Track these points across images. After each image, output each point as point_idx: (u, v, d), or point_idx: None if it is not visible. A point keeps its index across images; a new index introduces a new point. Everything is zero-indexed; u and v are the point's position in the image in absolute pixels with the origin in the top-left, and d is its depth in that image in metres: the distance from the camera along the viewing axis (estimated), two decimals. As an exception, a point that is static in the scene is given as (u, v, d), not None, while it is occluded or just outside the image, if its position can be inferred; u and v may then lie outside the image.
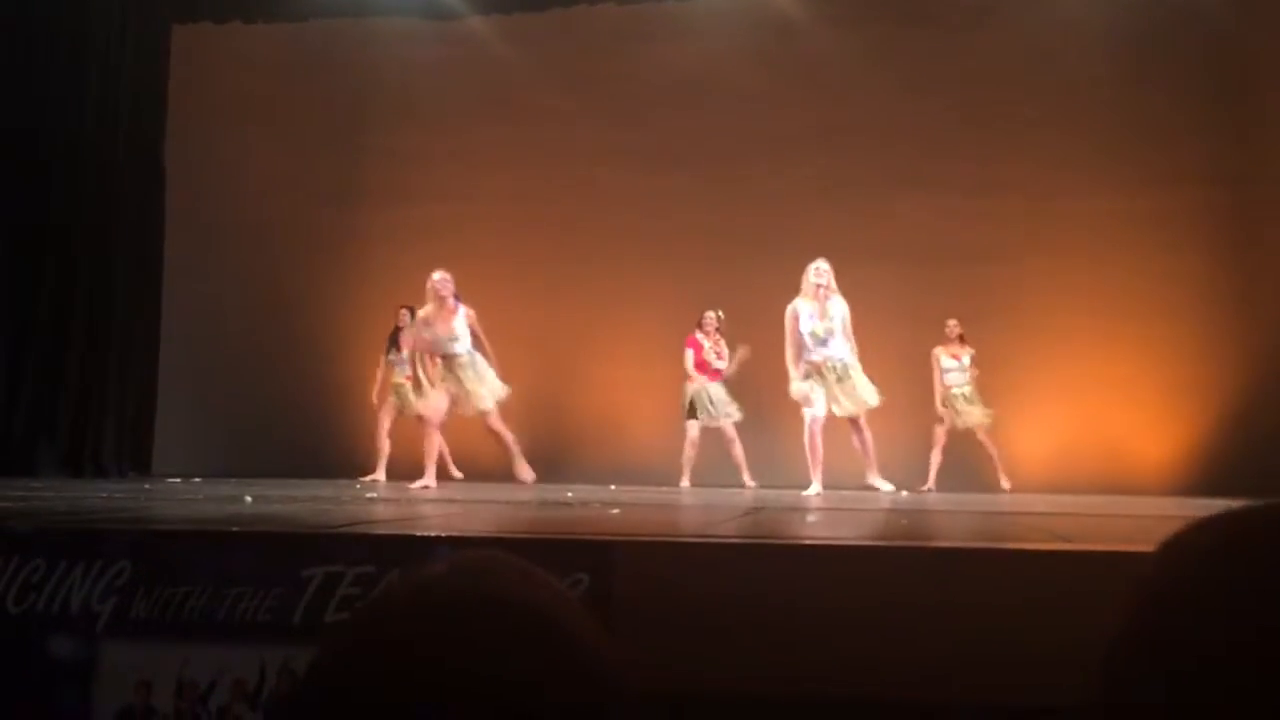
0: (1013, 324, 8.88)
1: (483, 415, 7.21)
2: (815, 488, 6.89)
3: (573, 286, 9.59)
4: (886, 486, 7.17)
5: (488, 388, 7.18)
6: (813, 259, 9.23)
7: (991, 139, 9.21)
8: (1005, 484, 8.37)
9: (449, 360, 7.23)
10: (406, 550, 2.65)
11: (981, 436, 8.50)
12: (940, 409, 8.49)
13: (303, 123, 10.04)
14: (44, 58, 8.54)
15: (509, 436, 7.39)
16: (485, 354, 7.37)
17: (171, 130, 9.62)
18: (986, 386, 8.69)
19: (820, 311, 6.98)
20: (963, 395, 8.51)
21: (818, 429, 6.93)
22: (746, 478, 8.45)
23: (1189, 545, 0.62)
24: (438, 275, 7.36)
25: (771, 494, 7.03)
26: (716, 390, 8.62)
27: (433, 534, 2.93)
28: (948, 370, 8.52)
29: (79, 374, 8.56)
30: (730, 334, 8.77)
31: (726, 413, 8.56)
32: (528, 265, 9.66)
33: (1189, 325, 8.81)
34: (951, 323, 8.55)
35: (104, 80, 8.94)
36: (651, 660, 2.23)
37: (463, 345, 7.23)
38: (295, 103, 10.08)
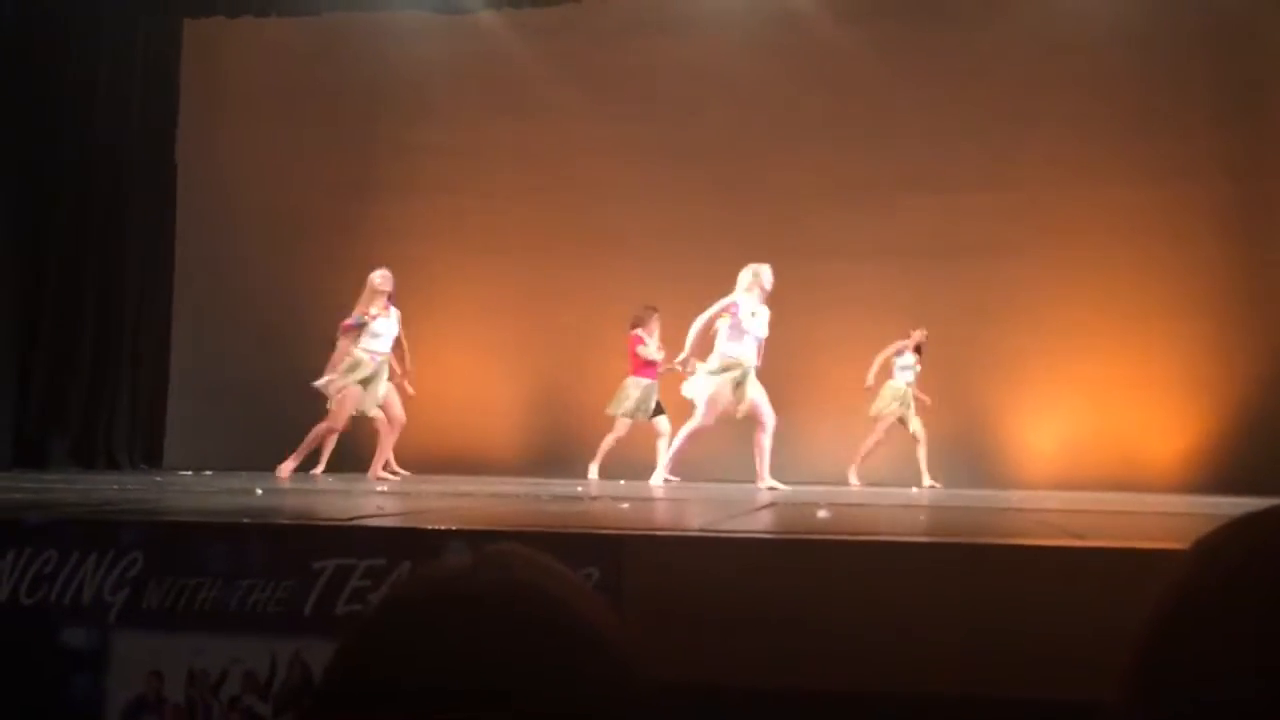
0: (1022, 319, 8.86)
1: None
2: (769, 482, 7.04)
3: (582, 279, 9.59)
4: (659, 479, 7.28)
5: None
6: (821, 255, 9.24)
7: (1000, 133, 9.17)
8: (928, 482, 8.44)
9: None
10: (417, 543, 2.65)
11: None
12: (894, 406, 8.56)
13: (314, 116, 10.06)
14: (56, 53, 8.57)
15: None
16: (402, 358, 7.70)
17: (184, 124, 9.64)
18: (997, 381, 8.68)
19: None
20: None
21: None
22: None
23: (1224, 544, 0.61)
24: (380, 272, 7.66)
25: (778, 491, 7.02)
26: (653, 389, 8.66)
27: (443, 527, 2.93)
28: (906, 368, 8.64)
29: (90, 367, 8.60)
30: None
31: (651, 410, 8.63)
32: (538, 258, 9.67)
33: (1200, 320, 8.77)
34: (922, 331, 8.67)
35: (116, 75, 8.96)
36: (661, 655, 2.23)
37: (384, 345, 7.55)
38: (307, 96, 10.09)
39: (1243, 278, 8.78)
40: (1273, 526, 0.60)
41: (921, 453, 8.54)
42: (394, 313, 7.76)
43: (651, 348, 8.68)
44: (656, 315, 8.79)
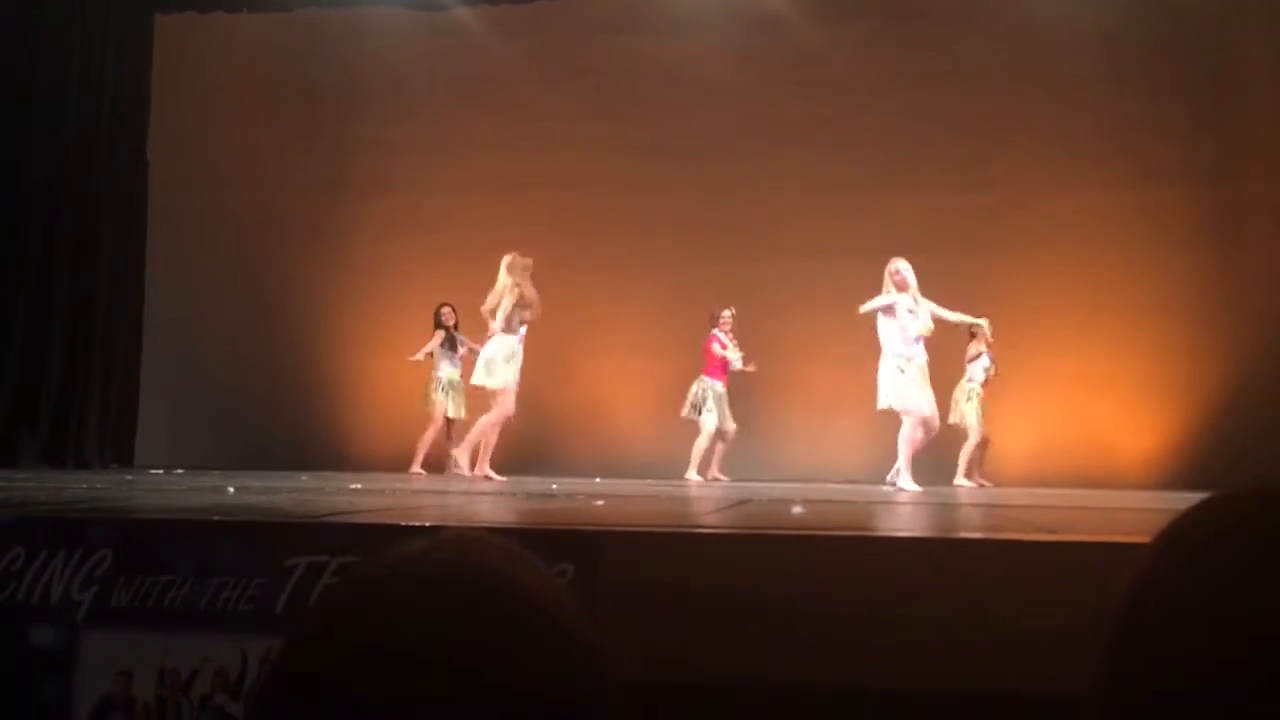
0: (996, 318, 8.89)
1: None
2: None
3: (558, 278, 9.55)
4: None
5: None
6: (798, 253, 9.27)
7: (976, 135, 9.22)
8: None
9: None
10: (390, 539, 2.63)
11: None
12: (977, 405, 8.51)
13: (287, 113, 9.99)
14: (26, 48, 8.47)
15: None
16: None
17: (155, 121, 9.54)
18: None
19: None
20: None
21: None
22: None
23: (1185, 529, 0.61)
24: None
25: (760, 487, 7.03)
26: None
27: (417, 523, 2.91)
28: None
29: (61, 364, 8.51)
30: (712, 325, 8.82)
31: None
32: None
33: (1172, 320, 8.84)
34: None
35: (87, 71, 8.86)
36: (637, 651, 2.23)
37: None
38: (280, 93, 10.02)
39: (1215, 278, 8.86)
40: (1232, 510, 0.61)
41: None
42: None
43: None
44: (725, 315, 8.73)
